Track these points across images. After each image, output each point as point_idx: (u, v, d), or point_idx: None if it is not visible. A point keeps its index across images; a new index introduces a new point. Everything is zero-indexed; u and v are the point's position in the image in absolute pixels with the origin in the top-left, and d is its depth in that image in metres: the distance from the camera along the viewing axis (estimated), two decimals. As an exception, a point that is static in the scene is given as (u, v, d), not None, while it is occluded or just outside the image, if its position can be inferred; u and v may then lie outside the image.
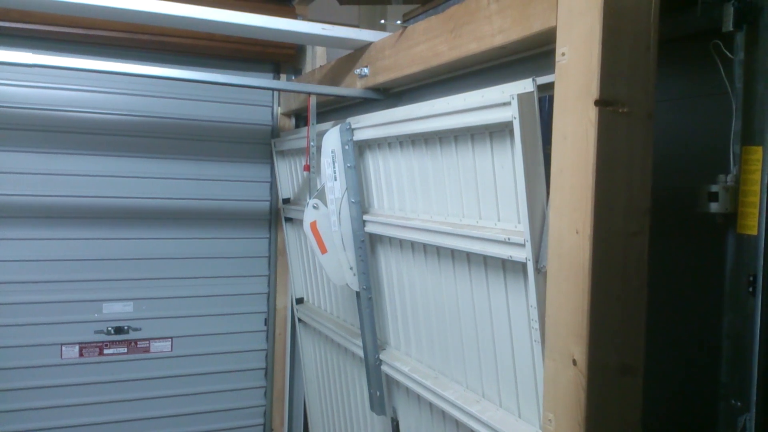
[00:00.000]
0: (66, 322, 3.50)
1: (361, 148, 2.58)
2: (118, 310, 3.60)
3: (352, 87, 2.75)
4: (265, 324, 3.98)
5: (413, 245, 2.34)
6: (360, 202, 2.59)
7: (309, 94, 2.97)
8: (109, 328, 3.58)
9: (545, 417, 1.61)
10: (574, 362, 1.50)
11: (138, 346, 3.66)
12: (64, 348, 3.51)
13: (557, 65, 1.53)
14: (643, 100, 1.47)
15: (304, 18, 3.67)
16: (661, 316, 1.84)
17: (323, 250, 2.66)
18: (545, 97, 2.79)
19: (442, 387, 2.23)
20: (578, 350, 1.48)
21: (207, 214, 3.76)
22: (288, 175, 3.69)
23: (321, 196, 2.67)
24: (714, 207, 1.76)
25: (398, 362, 2.51)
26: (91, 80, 3.44)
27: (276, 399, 4.01)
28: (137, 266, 3.62)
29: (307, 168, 3.09)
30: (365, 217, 2.58)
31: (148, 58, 3.52)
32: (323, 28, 2.57)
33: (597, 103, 1.41)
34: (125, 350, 3.63)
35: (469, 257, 2.04)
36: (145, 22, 2.52)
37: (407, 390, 2.49)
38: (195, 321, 3.78)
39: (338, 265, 2.62)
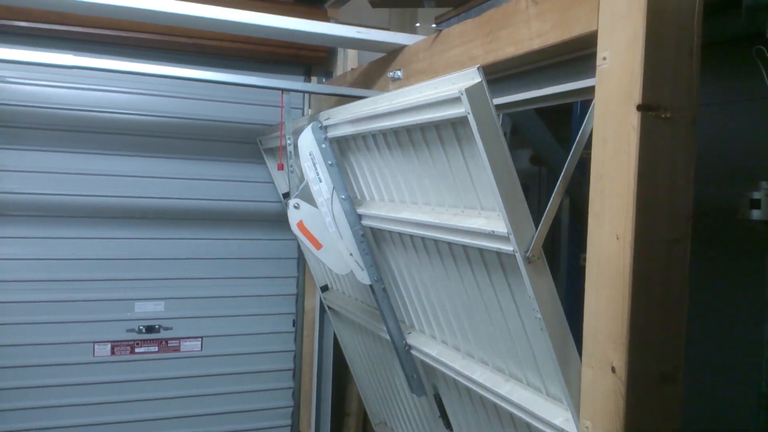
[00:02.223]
0: (99, 320, 3.55)
1: (340, 143, 2.56)
2: (149, 309, 3.64)
3: (384, 90, 2.75)
4: (294, 325, 4.00)
5: (412, 237, 2.33)
6: (350, 197, 2.57)
7: (282, 91, 2.95)
8: (141, 327, 3.63)
9: (582, 424, 1.60)
10: (613, 369, 1.48)
11: (169, 345, 3.70)
12: (96, 346, 3.56)
13: (598, 69, 1.51)
14: (686, 105, 1.45)
15: (336, 21, 3.69)
16: (700, 324, 1.82)
17: (318, 246, 2.64)
18: (577, 102, 2.76)
19: (470, 370, 2.23)
20: (617, 357, 1.47)
21: (238, 215, 3.79)
22: (280, 172, 3.72)
23: (302, 194, 2.64)
24: (756, 214, 1.73)
25: (426, 347, 2.51)
26: (125, 81, 3.49)
27: (303, 400, 4.03)
28: (169, 266, 3.66)
29: (281, 167, 3.09)
30: (360, 211, 2.56)
31: (183, 60, 3.56)
32: (358, 32, 2.57)
33: (639, 108, 1.40)
34: (156, 349, 3.67)
35: (466, 249, 2.02)
36: (180, 24, 2.54)
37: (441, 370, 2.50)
38: (225, 321, 3.81)
39: (338, 255, 2.61)
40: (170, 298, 3.68)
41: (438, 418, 2.70)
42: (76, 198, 3.46)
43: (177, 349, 3.72)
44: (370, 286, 2.65)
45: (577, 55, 1.79)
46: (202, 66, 3.54)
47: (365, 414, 4.47)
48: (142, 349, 3.64)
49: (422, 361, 2.60)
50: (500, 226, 1.71)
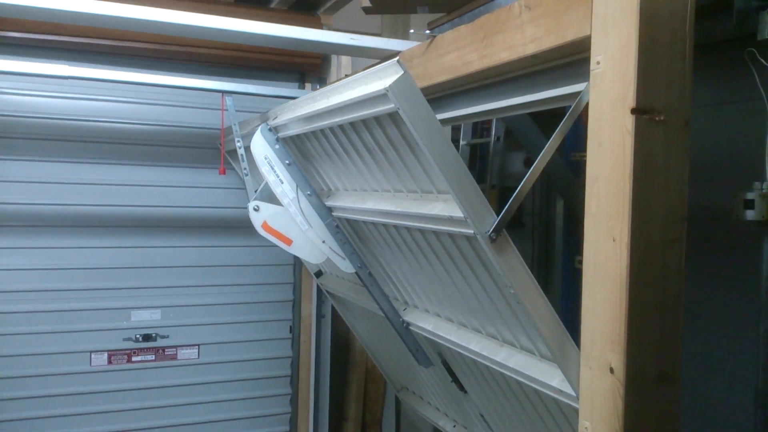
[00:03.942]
0: (95, 329, 3.56)
1: (295, 140, 2.55)
2: (146, 317, 3.64)
3: (379, 96, 2.76)
4: (291, 331, 4.01)
5: (385, 224, 2.34)
6: (316, 191, 2.57)
7: (222, 93, 2.94)
8: (138, 336, 3.63)
9: (581, 425, 1.61)
10: (612, 370, 1.49)
11: (165, 353, 3.69)
12: (93, 355, 3.56)
13: (592, 74, 1.53)
14: (679, 107, 1.47)
15: (329, 27, 3.70)
16: (696, 324, 1.83)
17: (288, 242, 2.64)
18: (570, 106, 2.78)
19: (466, 340, 2.26)
20: (615, 358, 1.48)
21: (233, 222, 3.79)
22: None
23: (261, 196, 2.64)
24: (750, 215, 1.75)
25: (421, 322, 2.53)
26: (119, 90, 3.50)
27: (301, 406, 4.03)
28: (165, 274, 3.66)
29: (223, 171, 3.07)
30: (328, 203, 2.56)
31: (178, 68, 3.57)
32: (352, 38, 2.58)
33: (634, 111, 1.41)
34: (153, 357, 3.67)
35: (436, 232, 2.04)
36: (174, 33, 2.55)
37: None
38: (221, 328, 3.82)
39: (310, 246, 2.61)
40: (167, 307, 3.69)
41: (451, 383, 2.72)
42: (71, 208, 3.46)
43: (174, 357, 3.72)
44: (356, 273, 2.66)
45: (571, 59, 1.81)
46: (196, 74, 3.55)
47: (363, 419, 4.47)
48: (139, 358, 3.64)
49: (422, 335, 2.62)
50: (456, 210, 1.73)
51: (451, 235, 1.95)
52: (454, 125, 4.57)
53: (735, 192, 1.78)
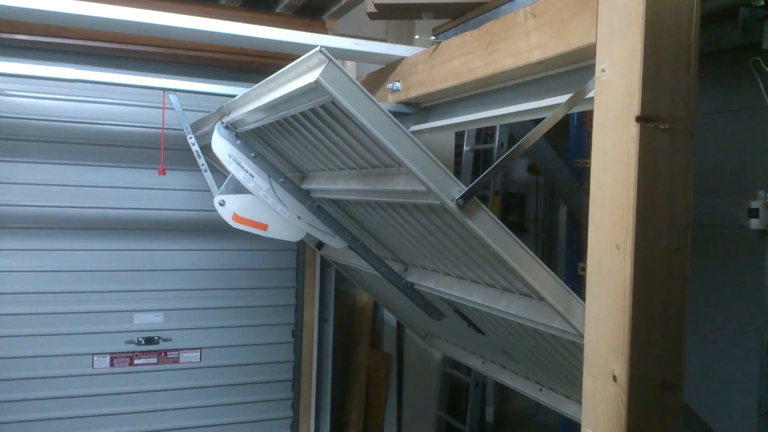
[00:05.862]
0: (98, 332, 3.56)
1: (256, 132, 2.54)
2: (148, 320, 3.64)
3: (383, 101, 2.77)
4: (293, 336, 4.00)
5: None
6: (289, 177, 2.57)
7: (164, 91, 2.92)
8: (140, 339, 3.63)
9: (584, 433, 1.61)
10: (615, 378, 1.49)
11: (168, 356, 3.69)
12: (95, 358, 3.56)
13: (597, 81, 1.53)
14: (684, 116, 1.47)
15: (334, 32, 3.71)
16: (700, 332, 1.83)
17: (264, 228, 2.64)
18: (572, 114, 2.80)
19: (467, 293, 2.28)
20: (619, 366, 1.48)
21: (236, 226, 3.79)
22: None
23: (227, 190, 2.63)
24: (754, 224, 1.74)
25: (424, 280, 2.55)
26: (124, 93, 3.50)
27: (303, 411, 4.02)
28: (168, 277, 3.66)
29: (162, 171, 3.08)
30: (305, 186, 2.57)
31: (183, 72, 3.57)
32: (356, 43, 2.59)
33: (638, 119, 1.41)
34: (155, 360, 3.67)
35: (415, 204, 2.05)
36: (179, 37, 2.56)
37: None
38: (223, 332, 3.82)
39: (287, 226, 2.61)
40: (169, 310, 3.69)
41: (468, 327, 2.75)
42: (75, 210, 3.46)
43: (176, 361, 3.72)
44: (348, 247, 2.66)
45: (576, 67, 1.81)
46: (200, 78, 3.56)
47: (365, 424, 4.47)
48: (141, 361, 3.64)
49: (427, 292, 2.64)
50: (417, 183, 1.74)
51: (430, 206, 1.96)
52: (458, 131, 4.57)
53: (739, 201, 1.78)
